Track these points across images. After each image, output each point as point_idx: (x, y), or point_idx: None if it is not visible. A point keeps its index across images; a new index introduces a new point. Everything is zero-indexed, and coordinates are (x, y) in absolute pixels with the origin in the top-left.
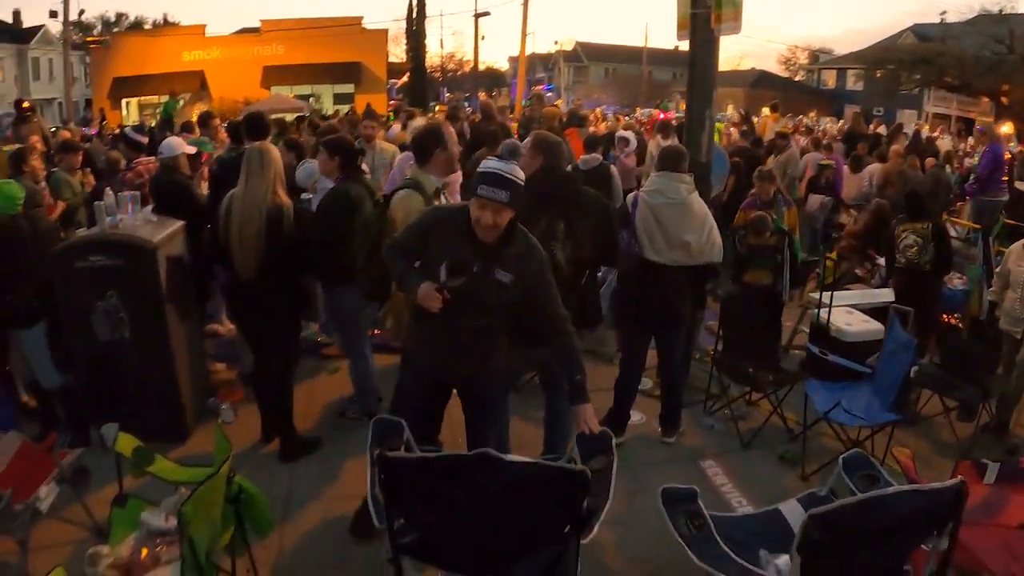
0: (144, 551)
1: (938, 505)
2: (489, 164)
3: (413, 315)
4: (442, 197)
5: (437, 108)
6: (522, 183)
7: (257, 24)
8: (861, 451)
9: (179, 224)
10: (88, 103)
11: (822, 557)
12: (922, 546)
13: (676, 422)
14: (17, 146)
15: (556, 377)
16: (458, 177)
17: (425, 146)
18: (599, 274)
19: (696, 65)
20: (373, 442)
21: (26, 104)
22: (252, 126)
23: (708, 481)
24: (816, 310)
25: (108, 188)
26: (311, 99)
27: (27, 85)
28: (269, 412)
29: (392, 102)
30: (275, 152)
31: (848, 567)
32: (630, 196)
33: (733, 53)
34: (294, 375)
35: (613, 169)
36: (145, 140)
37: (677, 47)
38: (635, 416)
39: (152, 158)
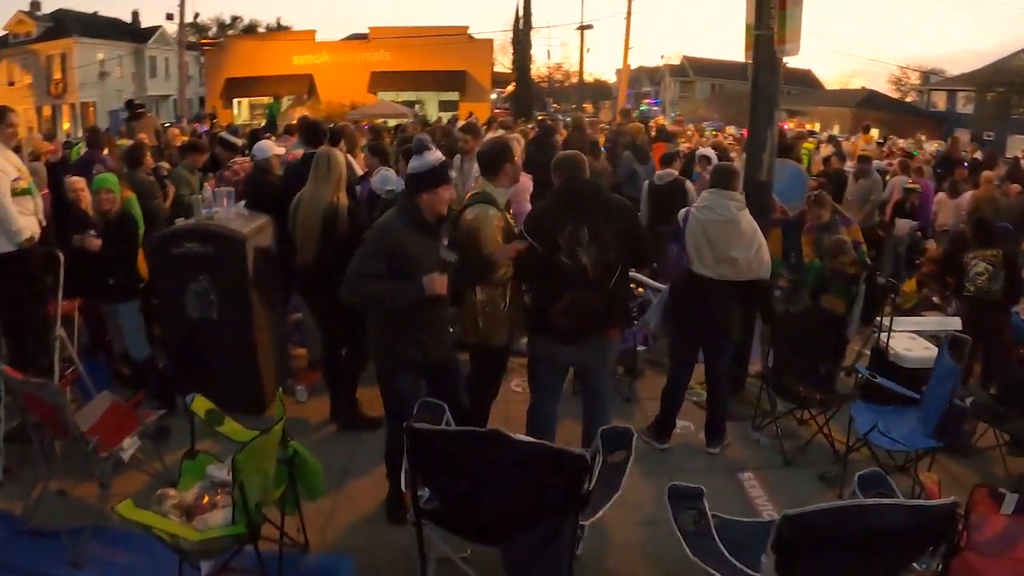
0: (205, 498)
1: (925, 523)
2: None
3: (398, 320)
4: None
5: (525, 122)
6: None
7: (366, 31)
8: (879, 470)
9: (267, 219)
10: (202, 101)
11: (796, 557)
12: (914, 565)
13: (721, 433)
14: (132, 142)
15: (597, 382)
16: (523, 186)
17: (494, 159)
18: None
19: (758, 85)
20: (415, 420)
21: (138, 103)
22: (308, 133)
23: (744, 493)
24: (878, 333)
25: (207, 184)
26: (416, 106)
27: (144, 82)
28: (336, 391)
29: (497, 111)
30: (340, 157)
31: (826, 571)
32: (682, 211)
33: (843, 72)
34: (362, 361)
35: (688, 185)
36: (239, 142)
37: (785, 63)
38: (682, 424)
39: (247, 158)
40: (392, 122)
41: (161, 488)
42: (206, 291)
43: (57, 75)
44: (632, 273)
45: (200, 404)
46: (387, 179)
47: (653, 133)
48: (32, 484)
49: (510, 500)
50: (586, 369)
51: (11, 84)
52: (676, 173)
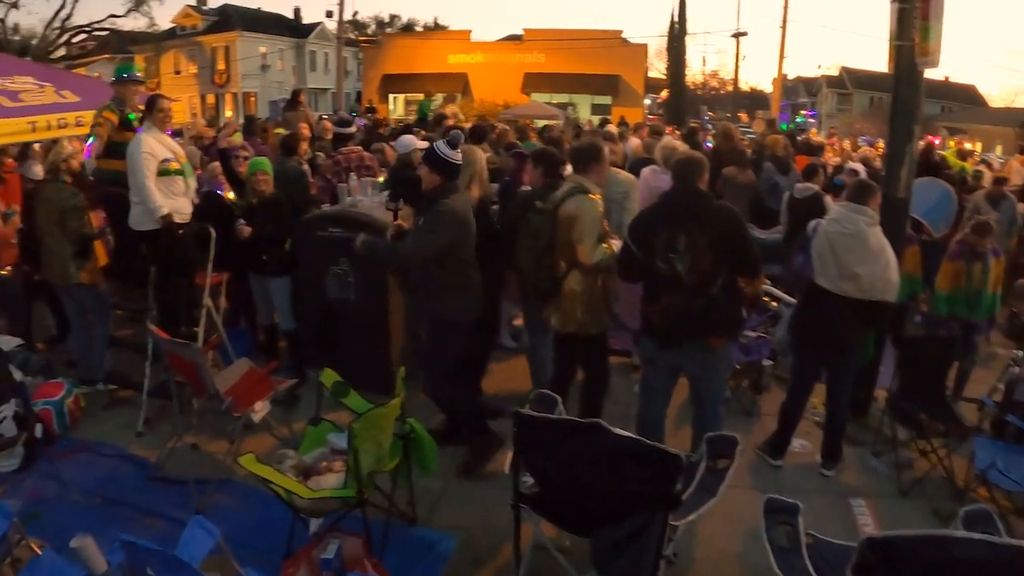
0: (323, 463)
1: (1015, 565)
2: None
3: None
4: None
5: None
6: (443, 158)
7: (520, 32)
8: (987, 508)
9: (409, 209)
10: (359, 96)
11: None
12: None
13: (836, 455)
14: (288, 131)
15: (705, 391)
16: (651, 182)
17: (585, 157)
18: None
19: (898, 98)
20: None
21: (301, 98)
22: (473, 133)
23: (852, 519)
24: (1015, 367)
25: (352, 173)
26: (569, 108)
27: (304, 76)
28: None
29: (651, 117)
30: (476, 154)
31: None
32: (812, 222)
33: (1010, 89)
34: (489, 351)
35: (827, 200)
36: (351, 130)
37: (947, 78)
38: (799, 443)
39: (358, 148)
40: (542, 123)
41: (284, 450)
42: (345, 274)
43: (221, 66)
44: (766, 286)
45: (328, 376)
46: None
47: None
48: (168, 436)
49: (604, 492)
50: (690, 375)
51: (177, 73)
52: (817, 187)
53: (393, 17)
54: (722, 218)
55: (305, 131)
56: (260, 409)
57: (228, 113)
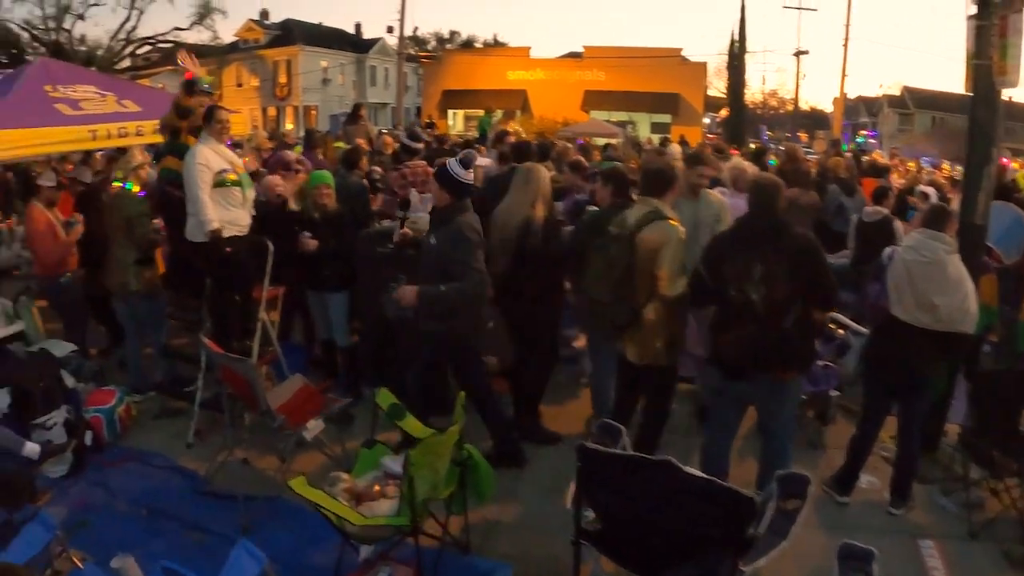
0: (376, 487)
1: None
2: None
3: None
4: None
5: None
6: (455, 178)
7: (580, 49)
8: None
9: (422, 218)
10: (418, 111)
11: None
12: None
13: (905, 493)
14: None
15: (773, 424)
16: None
17: (662, 182)
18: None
19: (975, 119)
20: (592, 439)
21: (358, 112)
22: (517, 151)
23: (920, 561)
24: None
25: (413, 189)
26: (628, 126)
27: (364, 90)
28: (519, 400)
29: (710, 136)
30: (541, 172)
31: None
32: (888, 249)
33: None
34: (549, 375)
35: (897, 224)
36: (420, 146)
37: (1011, 98)
38: (866, 479)
39: (423, 163)
40: (601, 141)
41: (336, 471)
42: None
43: (283, 79)
44: (833, 314)
45: (385, 397)
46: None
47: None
48: (219, 449)
49: (671, 532)
50: (759, 407)
51: (239, 86)
52: (886, 211)
53: (453, 33)
54: (800, 245)
55: (363, 145)
56: (313, 427)
57: (289, 126)
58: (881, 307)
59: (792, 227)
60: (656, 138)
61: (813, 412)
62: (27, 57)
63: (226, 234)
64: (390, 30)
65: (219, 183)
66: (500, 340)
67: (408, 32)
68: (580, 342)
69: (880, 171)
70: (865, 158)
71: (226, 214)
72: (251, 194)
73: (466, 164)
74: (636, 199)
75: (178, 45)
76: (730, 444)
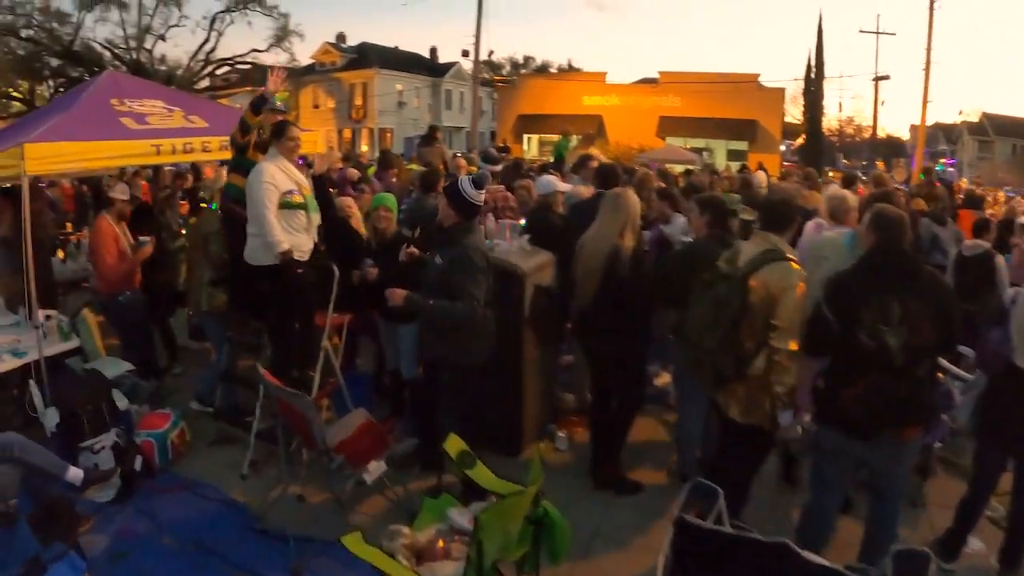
0: (440, 543)
1: None
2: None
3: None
4: None
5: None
6: (466, 197)
7: (655, 75)
8: None
9: (549, 256)
10: (493, 135)
11: None
12: None
13: (1016, 562)
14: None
15: (887, 486)
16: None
17: (785, 214)
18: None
19: None
20: (683, 501)
21: (438, 134)
22: (602, 176)
23: None
24: None
25: (490, 214)
26: (704, 153)
27: (439, 114)
28: (599, 444)
29: (787, 164)
30: (630, 198)
31: None
32: (1010, 291)
33: None
34: (633, 418)
35: (999, 260)
36: (496, 168)
37: None
38: (974, 544)
39: (500, 187)
40: (679, 168)
41: (397, 520)
42: None
43: (358, 102)
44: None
45: (453, 444)
46: (683, 228)
47: (960, 197)
48: (273, 484)
49: None
50: (877, 470)
51: (316, 107)
52: (987, 245)
53: (528, 59)
54: (938, 284)
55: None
56: (374, 469)
57: (364, 148)
58: (1001, 355)
59: (924, 264)
60: (734, 165)
61: (913, 466)
62: None
63: None
64: (465, 54)
65: (284, 204)
66: (578, 376)
67: (483, 56)
68: (663, 379)
69: (977, 202)
70: (961, 190)
71: (289, 238)
72: (316, 219)
73: (478, 184)
74: (753, 234)
75: (256, 66)
76: (837, 508)
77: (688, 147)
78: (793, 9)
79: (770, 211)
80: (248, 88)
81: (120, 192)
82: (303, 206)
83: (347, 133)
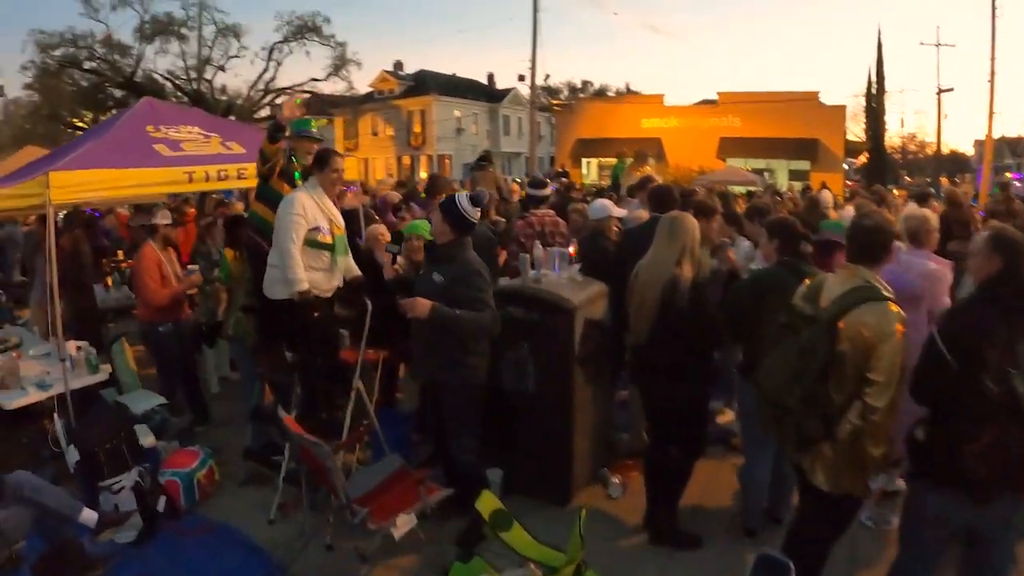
0: None
1: None
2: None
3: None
4: None
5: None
6: (463, 214)
7: (714, 96)
8: None
9: (602, 288)
10: (552, 160)
11: None
12: None
13: None
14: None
15: (993, 559)
16: (942, 275)
17: (876, 245)
18: None
19: None
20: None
21: (489, 157)
22: (656, 199)
23: None
24: None
25: (538, 241)
26: (765, 174)
27: (498, 139)
28: (655, 493)
29: (849, 183)
30: (689, 223)
31: None
32: None
33: None
34: (692, 466)
35: None
36: (545, 192)
37: None
38: None
39: (550, 211)
40: (740, 189)
41: None
42: (524, 361)
43: (417, 129)
44: None
45: (487, 503)
46: (749, 254)
47: None
48: (302, 529)
49: None
50: (986, 534)
51: (375, 134)
52: None
53: (585, 83)
54: None
55: (492, 195)
56: (402, 524)
57: (423, 174)
58: None
59: None
60: (797, 185)
61: None
62: None
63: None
64: (521, 79)
65: (310, 242)
66: (635, 415)
67: (539, 81)
68: (726, 416)
69: None
70: None
71: (307, 275)
72: (343, 262)
73: (476, 201)
74: (842, 266)
75: (315, 95)
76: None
77: (749, 168)
78: (851, 24)
79: (861, 239)
80: (308, 117)
81: (162, 218)
82: (329, 247)
83: (406, 160)
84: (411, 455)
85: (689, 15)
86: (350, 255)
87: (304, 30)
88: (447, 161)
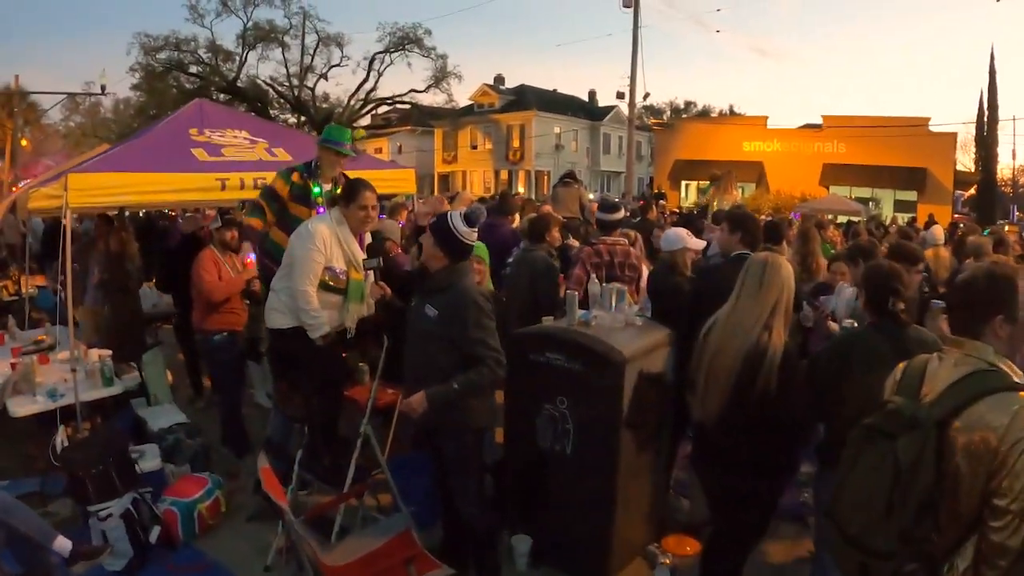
0: None
1: None
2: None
3: None
4: None
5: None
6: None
7: (818, 120)
8: None
9: (665, 334)
10: (651, 181)
11: None
12: None
13: None
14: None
15: None
16: None
17: (995, 302)
18: None
19: None
20: None
21: (571, 175)
22: (740, 225)
23: None
24: None
25: (593, 275)
26: (870, 203)
27: (597, 157)
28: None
29: (956, 217)
30: (782, 269)
31: None
32: None
33: None
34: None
35: None
36: (619, 216)
37: None
38: None
39: (623, 239)
40: (842, 219)
41: None
42: (562, 418)
43: (516, 143)
44: None
45: None
46: (851, 303)
47: None
48: None
49: None
50: None
51: (474, 148)
52: None
53: (688, 103)
54: None
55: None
56: None
57: (520, 189)
58: None
59: None
60: (902, 217)
61: None
62: (271, 111)
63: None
64: (620, 96)
65: (324, 285)
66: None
67: (639, 99)
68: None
69: None
70: None
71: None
72: (356, 309)
73: (471, 221)
74: (950, 342)
75: (415, 107)
76: None
77: (853, 197)
78: (962, 47)
79: (972, 294)
80: (408, 128)
81: (214, 222)
82: (342, 291)
83: (504, 175)
84: (434, 512)
85: (794, 35)
86: (365, 305)
87: (405, 41)
88: (545, 178)
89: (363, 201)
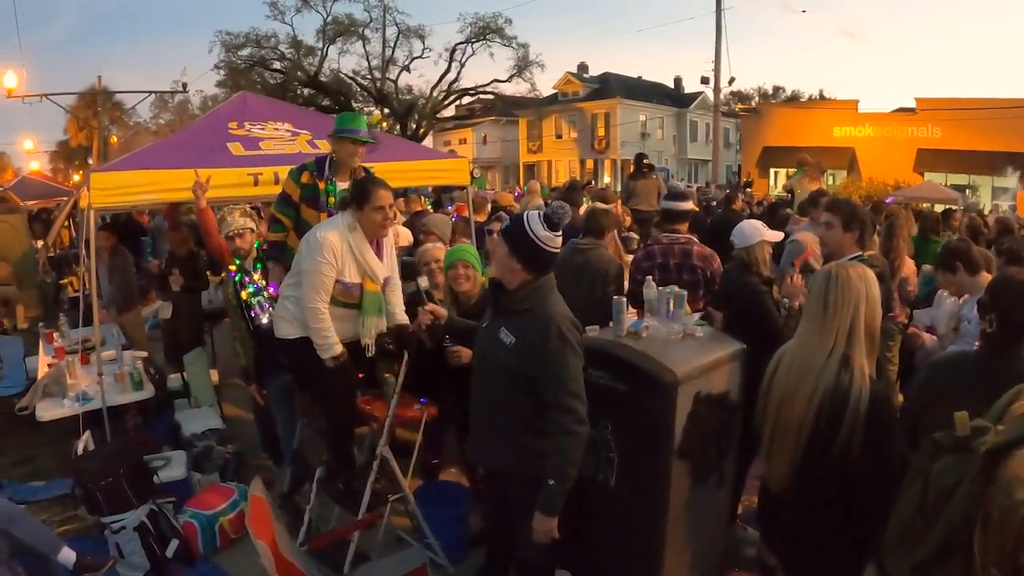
0: None
1: None
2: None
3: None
4: None
5: None
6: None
7: (911, 104)
8: None
9: (731, 349)
10: (739, 168)
11: None
12: None
13: None
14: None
15: None
16: None
17: None
18: None
19: None
20: None
21: (646, 161)
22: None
23: None
24: None
25: (648, 277)
26: (967, 191)
27: (684, 145)
28: None
29: None
30: (857, 282)
31: None
32: None
33: None
34: None
35: None
36: (687, 207)
37: None
38: None
39: (686, 235)
40: (938, 208)
41: None
42: (606, 444)
43: (601, 132)
44: None
45: None
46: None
47: None
48: None
49: None
50: None
51: (559, 137)
52: None
53: (777, 88)
54: None
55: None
56: None
57: (606, 179)
58: None
59: None
60: (1004, 205)
61: None
62: (355, 104)
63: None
64: (704, 81)
65: (335, 300)
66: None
67: (723, 84)
68: None
69: None
70: None
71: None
72: (373, 324)
73: (552, 223)
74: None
75: (498, 97)
76: None
77: (949, 184)
78: None
79: None
80: (492, 118)
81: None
82: (355, 306)
83: (589, 164)
84: (461, 545)
85: (886, 15)
86: (383, 318)
87: (486, 31)
88: (632, 167)
89: (377, 201)
